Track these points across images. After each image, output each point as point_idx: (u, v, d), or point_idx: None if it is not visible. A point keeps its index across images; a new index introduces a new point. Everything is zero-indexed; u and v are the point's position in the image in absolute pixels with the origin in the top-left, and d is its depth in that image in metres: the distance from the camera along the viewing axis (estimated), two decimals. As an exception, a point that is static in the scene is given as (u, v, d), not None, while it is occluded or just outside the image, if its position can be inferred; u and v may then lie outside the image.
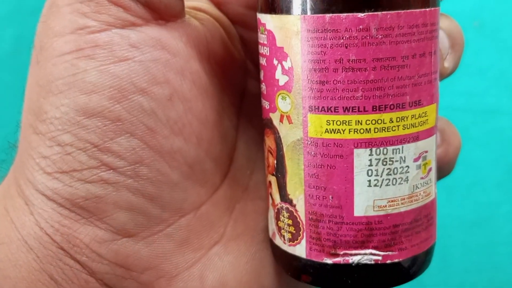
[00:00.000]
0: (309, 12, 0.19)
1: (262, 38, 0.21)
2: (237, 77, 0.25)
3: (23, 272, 0.20)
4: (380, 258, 0.20)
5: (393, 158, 0.20)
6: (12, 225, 0.20)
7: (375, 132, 0.19)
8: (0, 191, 0.22)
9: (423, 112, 0.20)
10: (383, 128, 0.19)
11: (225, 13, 0.25)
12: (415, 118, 0.20)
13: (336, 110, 0.19)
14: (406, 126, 0.20)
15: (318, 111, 0.20)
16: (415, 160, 0.20)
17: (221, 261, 0.23)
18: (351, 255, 0.20)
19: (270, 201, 0.22)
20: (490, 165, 0.52)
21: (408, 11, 0.19)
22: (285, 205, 0.21)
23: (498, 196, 0.52)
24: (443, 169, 0.24)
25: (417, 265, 0.21)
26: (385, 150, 0.19)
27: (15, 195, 0.21)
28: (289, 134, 0.21)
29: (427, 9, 0.19)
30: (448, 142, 0.24)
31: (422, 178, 0.20)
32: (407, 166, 0.20)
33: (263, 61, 0.21)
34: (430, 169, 0.21)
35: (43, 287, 0.20)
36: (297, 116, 0.20)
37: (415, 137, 0.20)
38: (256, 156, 0.25)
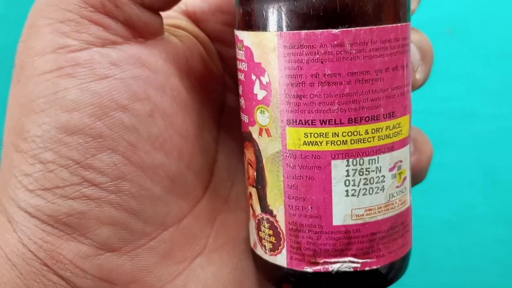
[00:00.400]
0: (285, 29, 0.19)
1: (240, 54, 0.21)
2: (216, 91, 0.25)
3: None
4: (359, 265, 0.20)
5: (369, 168, 0.20)
6: None
7: (351, 143, 0.20)
8: None
9: (397, 123, 0.20)
10: (359, 140, 0.20)
11: (203, 30, 0.25)
12: (390, 129, 0.20)
13: (314, 123, 0.19)
14: (381, 137, 0.20)
15: (296, 124, 0.20)
16: (391, 169, 0.20)
17: (204, 272, 0.23)
18: (331, 263, 0.20)
19: (251, 212, 0.23)
20: (466, 167, 0.52)
21: (380, 26, 0.19)
22: (265, 216, 0.22)
23: (474, 197, 0.52)
24: (417, 176, 0.25)
25: (395, 271, 0.22)
26: (361, 160, 0.20)
27: None
28: (268, 146, 0.21)
29: (399, 25, 0.20)
30: (420, 151, 0.24)
31: (397, 186, 0.21)
32: (383, 176, 0.20)
33: (241, 76, 0.21)
34: (405, 178, 0.21)
35: None
36: (275, 129, 0.20)
37: (390, 148, 0.20)
38: (236, 168, 0.25)
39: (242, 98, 0.22)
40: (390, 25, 0.19)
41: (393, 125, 0.20)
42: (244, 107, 0.22)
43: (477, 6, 0.51)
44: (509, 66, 0.51)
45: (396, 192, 0.21)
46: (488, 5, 0.51)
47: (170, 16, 0.24)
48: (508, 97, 0.51)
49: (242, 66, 0.21)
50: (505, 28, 0.51)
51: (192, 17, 0.25)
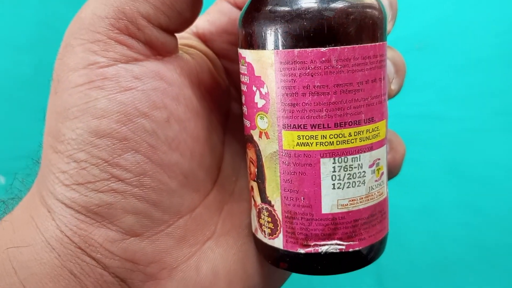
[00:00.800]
0: (281, 48, 0.19)
1: (243, 69, 0.21)
2: (223, 100, 0.25)
3: (47, 269, 0.20)
4: (343, 247, 0.20)
5: (352, 165, 0.20)
6: (37, 230, 0.20)
7: (337, 144, 0.20)
8: (25, 201, 0.22)
9: (375, 127, 0.20)
10: (344, 141, 0.20)
11: (211, 49, 0.25)
12: (369, 132, 0.20)
13: (305, 127, 0.19)
14: (362, 138, 0.20)
15: (290, 128, 0.20)
16: (370, 166, 0.20)
17: (213, 254, 0.23)
18: (320, 245, 0.20)
19: (253, 202, 0.23)
20: (433, 162, 0.52)
21: (361, 45, 0.19)
22: (265, 206, 0.22)
23: (440, 188, 0.52)
24: (392, 171, 0.25)
25: (374, 252, 0.22)
26: (345, 159, 0.20)
27: (38, 204, 0.21)
28: (267, 147, 0.21)
29: (377, 44, 0.20)
30: (395, 150, 0.24)
31: (376, 180, 0.21)
32: (364, 172, 0.20)
33: (244, 87, 0.21)
34: (382, 173, 0.21)
35: (64, 280, 0.20)
36: (273, 133, 0.20)
37: (370, 148, 0.20)
38: (239, 165, 0.25)
39: (244, 106, 0.22)
40: (369, 44, 0.19)
41: (372, 129, 0.20)
42: (246, 113, 0.22)
43: (441, 25, 0.51)
44: (470, 76, 0.51)
45: (375, 185, 0.21)
46: (450, 24, 0.51)
47: (183, 37, 0.24)
48: (469, 103, 0.51)
49: (244, 79, 0.21)
50: (466, 43, 0.51)
51: (202, 37, 0.25)
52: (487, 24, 0.50)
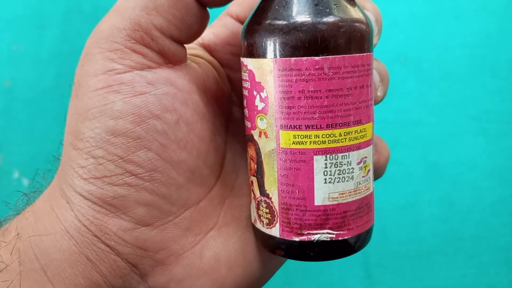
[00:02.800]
0: (279, 57, 0.20)
1: (245, 75, 0.22)
2: (225, 105, 0.25)
3: (66, 255, 0.20)
4: (334, 236, 0.21)
5: (342, 162, 0.20)
6: (57, 220, 0.20)
7: (329, 143, 0.20)
8: (46, 193, 0.22)
9: (363, 128, 0.21)
10: (335, 140, 0.20)
11: (216, 58, 0.25)
12: (357, 133, 0.20)
13: (300, 127, 0.20)
14: (351, 138, 0.20)
15: (287, 128, 0.20)
16: (358, 163, 0.21)
17: (215, 242, 0.23)
18: (313, 234, 0.21)
19: (252, 195, 0.23)
20: (415, 163, 0.52)
21: (351, 55, 0.20)
22: (263, 198, 0.22)
23: (419, 186, 0.53)
24: (377, 173, 0.25)
25: (361, 241, 0.22)
26: (336, 156, 0.20)
27: (58, 196, 0.21)
28: (266, 145, 0.21)
29: (364, 54, 0.20)
30: (380, 153, 0.25)
31: (363, 176, 0.21)
32: (352, 168, 0.21)
33: (245, 92, 0.22)
34: (369, 170, 0.22)
35: (81, 266, 0.20)
36: (271, 132, 0.21)
37: (358, 147, 0.21)
38: (239, 163, 0.26)
39: (246, 108, 0.22)
40: (358, 54, 0.20)
41: (360, 130, 0.21)
42: (247, 115, 0.22)
43: (420, 41, 0.52)
44: (446, 85, 0.52)
45: (362, 180, 0.21)
46: (428, 40, 0.52)
47: (191, 48, 0.25)
48: (445, 109, 0.52)
49: (246, 84, 0.22)
50: (442, 56, 0.52)
51: (207, 48, 0.25)
52: (460, 39, 0.51)
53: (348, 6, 0.20)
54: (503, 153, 0.52)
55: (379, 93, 0.24)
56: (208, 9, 0.22)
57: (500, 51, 0.51)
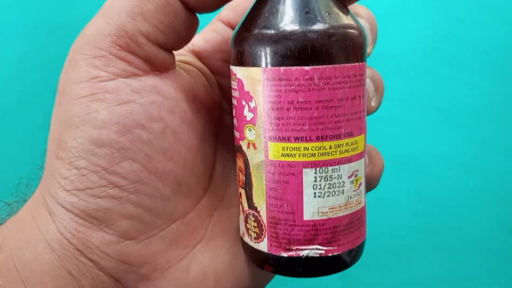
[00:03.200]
0: (268, 66, 0.19)
1: (234, 84, 0.21)
2: (216, 114, 0.25)
3: (47, 269, 0.19)
4: (323, 252, 0.20)
5: (332, 175, 0.20)
6: (38, 231, 0.20)
7: (318, 156, 0.19)
8: (29, 204, 0.21)
9: (354, 141, 0.20)
10: (325, 153, 0.19)
11: (206, 65, 0.25)
12: (349, 145, 0.20)
13: (289, 139, 0.19)
14: (342, 151, 0.20)
15: (276, 140, 0.20)
16: (349, 177, 0.20)
17: (202, 256, 0.22)
18: (302, 249, 0.20)
19: (241, 208, 0.22)
20: (386, 158, 0.53)
21: (342, 65, 0.19)
22: (251, 211, 0.21)
23: (390, 181, 0.54)
24: (370, 184, 0.24)
25: (352, 257, 0.21)
26: (326, 169, 0.20)
27: (41, 207, 0.20)
28: (254, 157, 0.21)
29: (356, 64, 0.20)
30: (374, 163, 0.24)
31: (354, 190, 0.21)
32: (343, 182, 0.20)
33: (234, 101, 0.21)
34: (360, 184, 0.21)
35: (63, 280, 0.19)
36: (260, 143, 0.20)
37: (349, 160, 0.20)
38: (229, 174, 0.25)
39: (235, 118, 0.22)
40: (350, 64, 0.19)
41: (351, 142, 0.20)
42: (236, 125, 0.22)
43: (386, 35, 0.52)
44: (412, 79, 0.52)
45: (354, 194, 0.21)
46: (394, 33, 0.52)
47: (181, 54, 0.24)
48: (411, 102, 0.53)
49: (235, 93, 0.21)
50: (408, 50, 0.52)
51: (197, 55, 0.25)
52: (423, 32, 0.52)
53: (341, 13, 0.20)
54: (470, 144, 0.53)
55: (373, 103, 0.24)
56: (198, 15, 0.21)
57: (464, 43, 0.52)
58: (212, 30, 0.25)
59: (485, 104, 0.52)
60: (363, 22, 0.22)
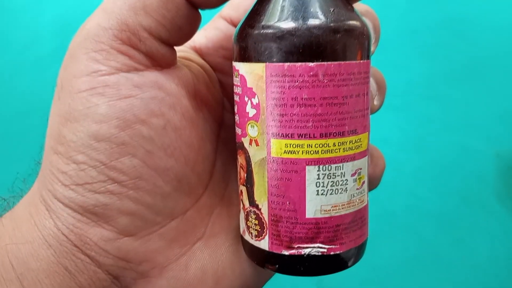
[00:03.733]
0: (271, 62, 0.19)
1: (236, 80, 0.21)
2: (217, 111, 0.24)
3: (43, 265, 0.19)
4: (325, 250, 0.20)
5: (335, 173, 0.19)
6: (35, 227, 0.19)
7: (322, 153, 0.19)
8: (26, 199, 0.21)
9: (358, 139, 0.20)
10: (328, 150, 0.19)
11: (207, 62, 0.24)
12: (352, 143, 0.20)
13: (292, 136, 0.19)
14: (345, 149, 0.19)
15: (279, 136, 0.19)
16: (352, 175, 0.20)
17: (202, 254, 0.22)
18: (303, 248, 0.20)
19: (241, 205, 0.22)
20: None
21: (347, 62, 0.19)
22: (253, 209, 0.21)
23: None
24: (372, 184, 0.24)
25: (354, 256, 0.21)
26: (329, 167, 0.19)
27: (38, 202, 0.20)
28: (256, 154, 0.20)
29: (361, 61, 0.19)
30: (375, 164, 0.24)
31: (357, 189, 0.20)
32: (346, 180, 0.20)
33: (237, 98, 0.21)
34: (363, 182, 0.21)
35: (59, 277, 0.19)
36: (262, 140, 0.20)
37: (352, 158, 0.20)
38: (230, 172, 0.25)
39: (237, 115, 0.21)
40: (354, 61, 0.19)
41: (355, 140, 0.20)
42: (238, 122, 0.21)
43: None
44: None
45: (356, 193, 0.20)
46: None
47: (182, 50, 0.24)
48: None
49: (237, 90, 0.21)
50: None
51: (199, 51, 0.25)
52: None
53: (346, 11, 0.19)
54: (412, 123, 0.54)
55: (375, 102, 0.24)
56: (200, 11, 0.21)
57: (398, 24, 0.52)
58: (214, 27, 0.24)
59: (419, 84, 0.53)
60: (367, 21, 0.22)
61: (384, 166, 0.25)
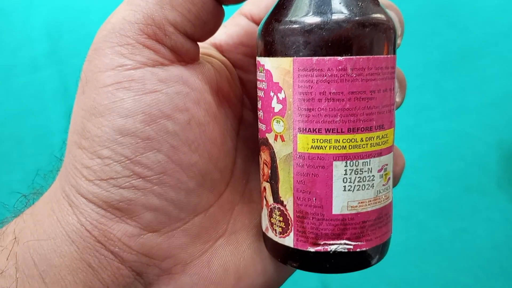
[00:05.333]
0: (299, 56, 0.18)
1: (261, 76, 0.20)
2: (237, 107, 0.24)
3: (66, 261, 0.18)
4: (351, 247, 0.20)
5: (362, 169, 0.19)
6: (57, 223, 0.19)
7: (349, 148, 0.19)
8: (47, 195, 0.20)
9: (385, 134, 0.19)
10: (356, 146, 0.19)
11: (228, 58, 0.24)
12: (379, 139, 0.19)
13: (320, 131, 0.19)
14: (372, 144, 0.19)
15: (306, 131, 0.19)
16: (379, 171, 0.19)
17: (224, 251, 0.22)
18: (329, 244, 0.19)
19: (264, 202, 0.22)
20: None
21: (375, 56, 0.18)
22: (277, 205, 0.21)
23: None
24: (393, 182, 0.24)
25: (379, 253, 0.21)
26: (357, 162, 0.19)
27: (60, 198, 0.19)
28: (281, 149, 0.20)
29: (389, 56, 0.19)
30: (395, 163, 0.23)
31: (383, 185, 0.20)
32: (373, 176, 0.19)
33: (261, 93, 0.21)
34: (389, 178, 0.20)
35: (82, 273, 0.19)
36: (288, 136, 0.19)
37: (379, 153, 0.19)
38: (249, 169, 0.24)
39: (260, 111, 0.21)
40: (382, 56, 0.19)
41: (382, 135, 0.19)
42: (262, 118, 0.21)
43: None
44: None
45: (383, 189, 0.20)
46: None
47: (203, 47, 0.24)
48: None
49: (262, 85, 0.20)
50: None
51: (219, 48, 0.24)
52: None
53: (373, 5, 0.19)
54: (409, 113, 0.53)
55: (398, 99, 0.23)
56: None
57: None
58: (234, 24, 0.24)
59: (414, 73, 0.52)
60: (392, 15, 0.21)
61: (404, 165, 0.24)
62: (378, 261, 0.21)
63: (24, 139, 0.47)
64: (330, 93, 0.18)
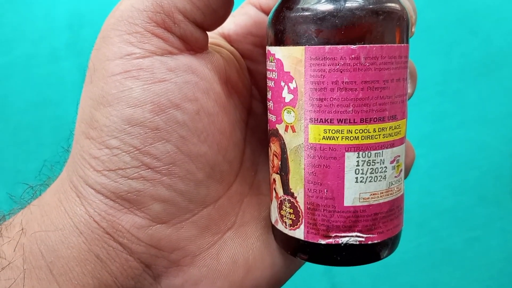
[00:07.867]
0: (311, 44, 0.18)
1: (271, 65, 0.20)
2: (246, 98, 0.23)
3: (74, 253, 0.18)
4: (363, 239, 0.19)
5: (375, 160, 0.18)
6: (65, 214, 0.18)
7: (362, 139, 0.18)
8: (54, 186, 0.20)
9: (397, 125, 0.19)
10: (368, 136, 0.18)
11: (236, 48, 0.24)
12: (392, 129, 0.19)
13: (332, 121, 0.18)
14: (385, 135, 0.19)
15: (317, 122, 0.18)
16: (391, 162, 0.19)
17: (233, 243, 0.21)
18: (341, 237, 0.19)
19: (274, 194, 0.21)
20: None
21: (389, 45, 0.18)
22: (287, 197, 0.20)
23: None
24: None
25: (391, 246, 0.20)
26: (369, 153, 0.18)
27: (67, 189, 0.19)
28: (292, 140, 0.19)
29: (402, 45, 0.19)
30: (406, 155, 0.23)
31: (395, 176, 0.19)
32: (385, 167, 0.19)
33: (271, 83, 0.20)
34: (401, 170, 0.20)
35: (90, 264, 0.18)
36: (299, 126, 0.19)
37: (392, 144, 0.19)
38: (258, 161, 0.24)
39: (270, 101, 0.20)
40: (396, 45, 0.18)
41: (395, 126, 0.19)
42: (272, 108, 0.20)
43: None
44: None
45: (395, 180, 0.19)
46: None
47: (211, 37, 0.23)
48: None
49: (272, 75, 0.20)
50: None
51: (227, 38, 0.24)
52: None
53: None
54: (427, 120, 0.52)
55: (409, 90, 0.23)
56: None
57: None
58: (243, 13, 0.23)
59: (434, 80, 0.51)
60: (406, 4, 0.21)
61: (414, 157, 0.24)
62: (388, 254, 0.20)
63: (42, 129, 0.47)
64: (342, 82, 0.18)
